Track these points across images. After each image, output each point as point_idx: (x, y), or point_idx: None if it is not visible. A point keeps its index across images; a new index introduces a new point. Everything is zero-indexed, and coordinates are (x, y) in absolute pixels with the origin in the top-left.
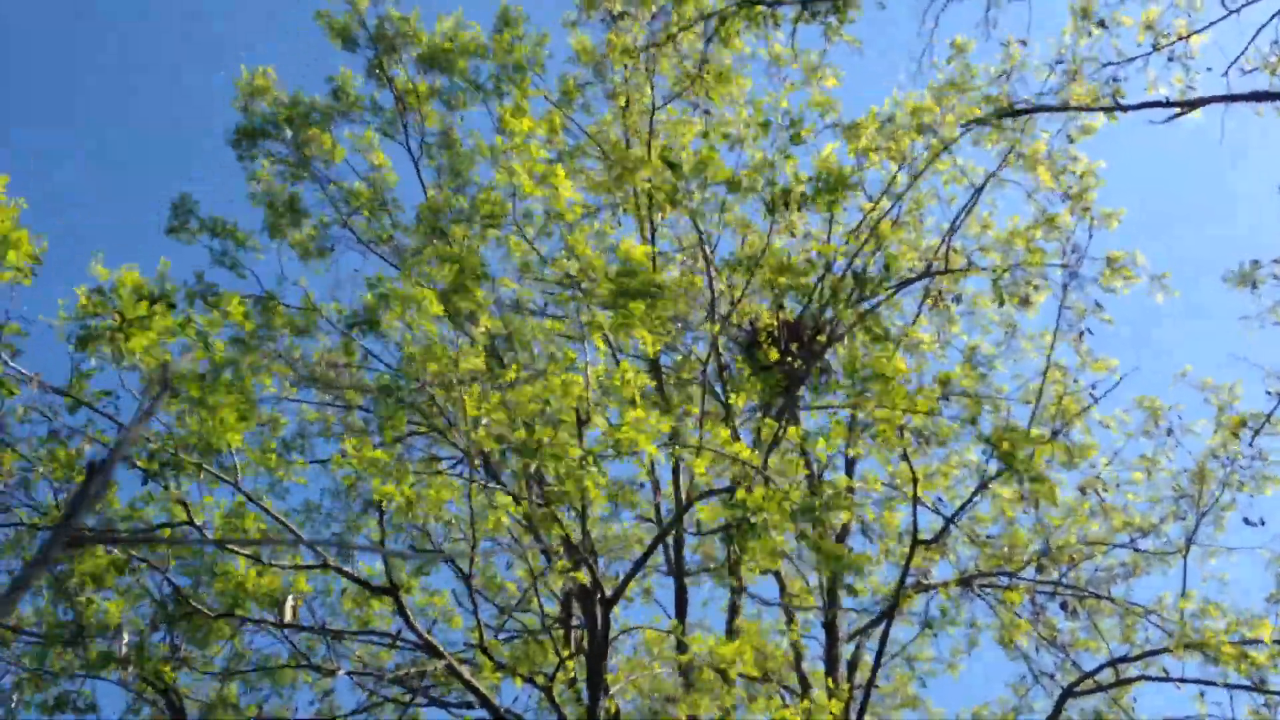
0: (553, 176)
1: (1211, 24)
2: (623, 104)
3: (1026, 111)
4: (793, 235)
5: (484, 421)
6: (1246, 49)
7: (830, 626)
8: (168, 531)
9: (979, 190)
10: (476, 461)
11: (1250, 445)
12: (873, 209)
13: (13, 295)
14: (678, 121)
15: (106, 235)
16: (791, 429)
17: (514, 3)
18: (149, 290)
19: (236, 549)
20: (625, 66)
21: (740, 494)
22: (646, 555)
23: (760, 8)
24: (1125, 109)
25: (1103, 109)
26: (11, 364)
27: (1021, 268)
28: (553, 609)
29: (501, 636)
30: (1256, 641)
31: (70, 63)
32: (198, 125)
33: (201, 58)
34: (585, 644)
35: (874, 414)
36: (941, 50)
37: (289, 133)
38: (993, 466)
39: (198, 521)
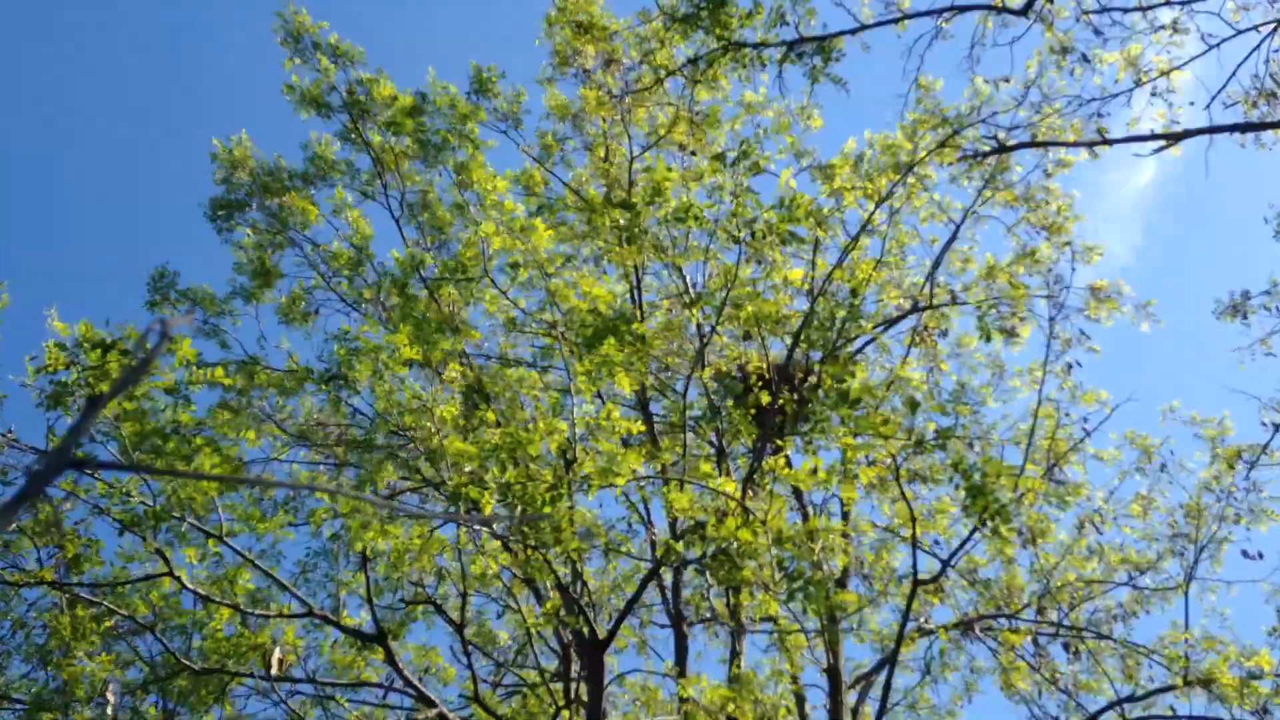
0: (532, 232)
1: (1192, 59)
2: (601, 155)
3: (1013, 148)
4: (758, 273)
5: (466, 469)
6: (1228, 83)
7: (833, 673)
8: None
9: (959, 226)
10: (465, 508)
11: (1246, 478)
12: (851, 246)
13: None
14: (658, 171)
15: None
16: (776, 462)
17: (489, 59)
18: (114, 342)
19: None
20: (603, 119)
21: (711, 524)
22: (637, 595)
23: (746, 50)
24: (1110, 143)
25: (1088, 143)
26: None
27: (1005, 301)
28: (550, 665)
29: (500, 693)
30: (1258, 676)
31: (68, 104)
32: (201, 179)
33: (194, 118)
34: (583, 695)
35: (843, 442)
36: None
37: (266, 201)
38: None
39: (178, 574)
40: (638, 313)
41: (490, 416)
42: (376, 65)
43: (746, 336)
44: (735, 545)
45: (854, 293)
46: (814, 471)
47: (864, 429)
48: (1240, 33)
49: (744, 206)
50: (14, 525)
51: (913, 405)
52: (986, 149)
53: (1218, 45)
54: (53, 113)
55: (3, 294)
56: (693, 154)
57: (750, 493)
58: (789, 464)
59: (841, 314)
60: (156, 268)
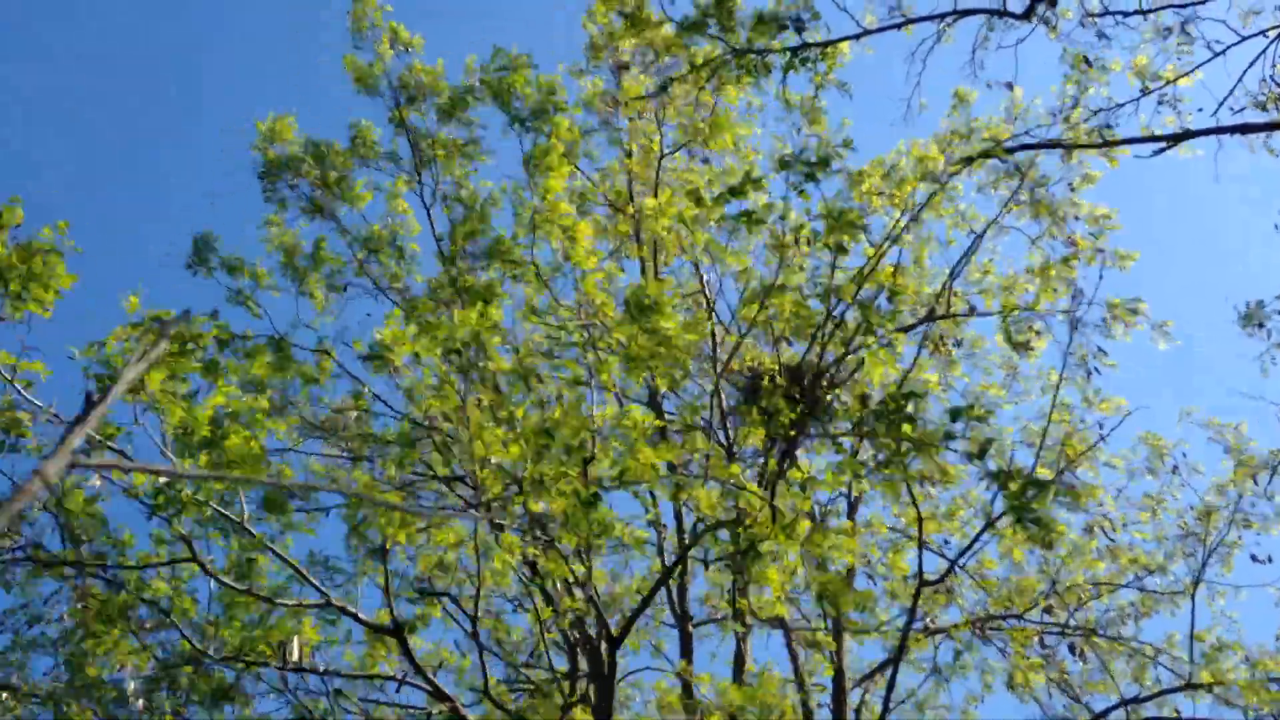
0: (575, 230)
1: (1198, 66)
2: (629, 151)
3: (1022, 149)
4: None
5: (492, 461)
6: (1235, 88)
7: (837, 672)
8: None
9: (980, 235)
10: (484, 500)
11: (1263, 485)
12: (876, 254)
13: (30, 329)
14: (687, 170)
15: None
16: (794, 472)
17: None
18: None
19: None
20: (633, 116)
21: (748, 521)
22: (654, 592)
23: (750, 56)
24: (1116, 143)
25: (1094, 146)
26: (28, 397)
27: (1027, 311)
28: (561, 666)
29: (510, 688)
30: (1273, 679)
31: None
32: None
33: (234, 100)
34: (592, 695)
35: (881, 443)
36: (928, 92)
37: (315, 170)
38: (997, 508)
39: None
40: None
41: (520, 413)
42: (438, 56)
43: (781, 339)
44: (770, 546)
45: (893, 296)
46: (854, 471)
47: (913, 439)
48: (1246, 38)
49: (792, 211)
50: (39, 509)
51: (955, 414)
52: (991, 150)
53: (1224, 51)
54: (71, 95)
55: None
56: (705, 161)
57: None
58: (807, 477)
59: (879, 321)
60: (200, 232)
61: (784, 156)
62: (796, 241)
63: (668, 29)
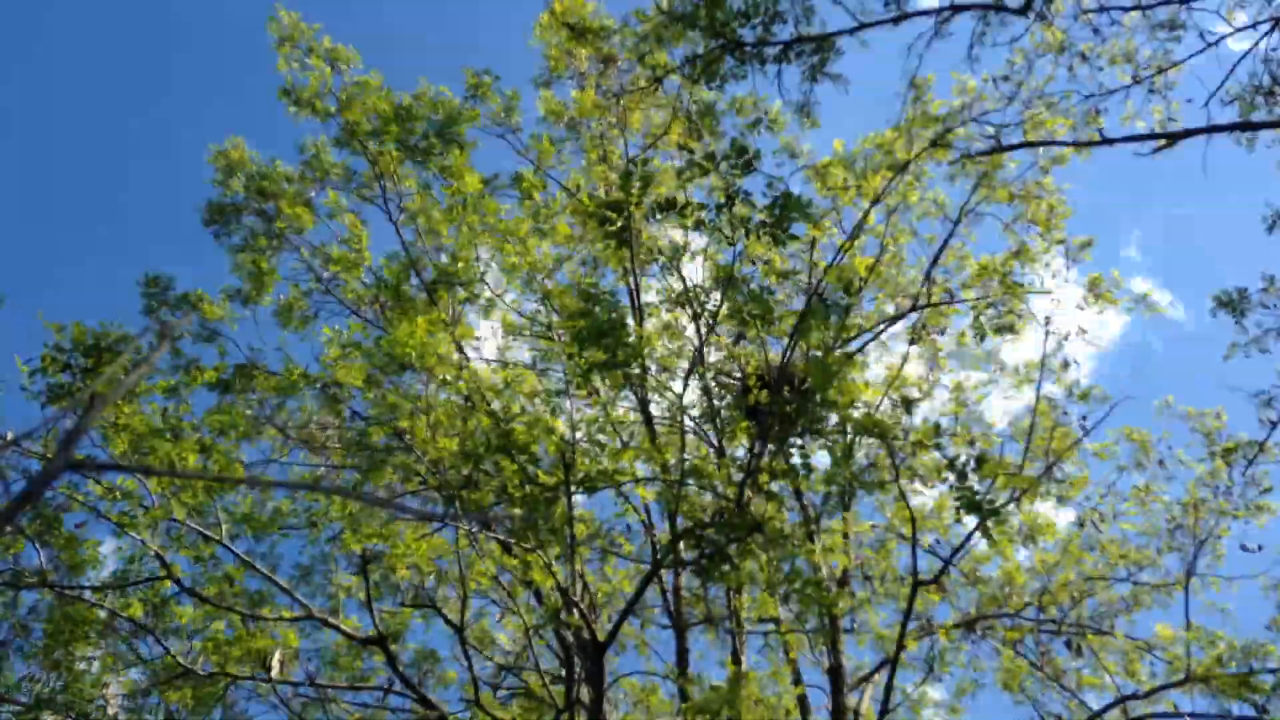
0: (517, 229)
1: (1190, 56)
2: (597, 157)
3: (1011, 148)
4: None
5: (463, 471)
6: (1225, 81)
7: (834, 673)
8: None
9: (956, 224)
10: (462, 510)
11: (1243, 473)
12: (847, 246)
13: None
14: (656, 172)
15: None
16: (778, 464)
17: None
18: (106, 344)
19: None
20: (597, 122)
21: (707, 526)
22: (636, 597)
23: (744, 50)
24: (1109, 142)
25: (1086, 143)
26: None
27: (1002, 300)
28: (551, 666)
29: (500, 696)
30: (1259, 671)
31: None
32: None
33: (187, 121)
34: (583, 696)
35: (837, 441)
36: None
37: (262, 205)
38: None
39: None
40: (634, 315)
41: (485, 422)
42: (371, 68)
43: (739, 338)
44: (733, 547)
45: (848, 290)
46: (809, 471)
47: (858, 429)
48: (1238, 30)
49: (739, 205)
50: (13, 527)
51: (907, 404)
52: (984, 148)
53: (1216, 43)
54: (43, 117)
55: None
56: (690, 152)
57: (749, 494)
58: (788, 464)
59: (834, 318)
60: (150, 272)
61: (711, 153)
62: (746, 235)
63: (656, 21)
